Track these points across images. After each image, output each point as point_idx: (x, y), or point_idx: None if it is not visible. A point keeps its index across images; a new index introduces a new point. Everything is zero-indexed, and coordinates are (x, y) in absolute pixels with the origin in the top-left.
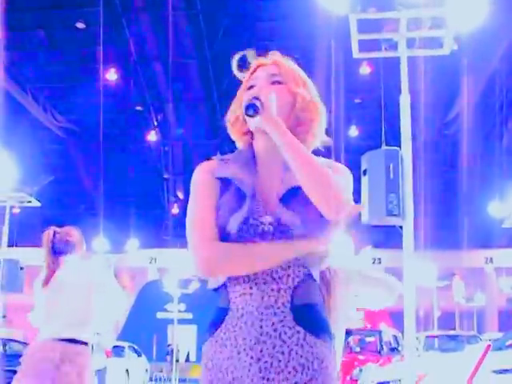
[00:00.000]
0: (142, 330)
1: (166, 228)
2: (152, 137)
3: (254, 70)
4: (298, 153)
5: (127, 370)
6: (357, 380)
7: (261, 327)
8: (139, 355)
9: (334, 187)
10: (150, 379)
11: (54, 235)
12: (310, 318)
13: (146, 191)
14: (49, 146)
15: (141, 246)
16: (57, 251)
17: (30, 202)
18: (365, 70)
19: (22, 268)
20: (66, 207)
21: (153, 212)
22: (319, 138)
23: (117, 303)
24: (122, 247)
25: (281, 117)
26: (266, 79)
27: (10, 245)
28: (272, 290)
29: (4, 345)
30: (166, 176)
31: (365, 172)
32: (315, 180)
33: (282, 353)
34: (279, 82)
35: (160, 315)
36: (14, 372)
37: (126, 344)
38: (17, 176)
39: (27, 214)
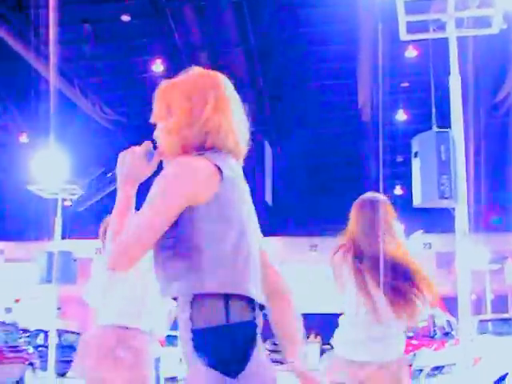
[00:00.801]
0: None
1: None
2: None
3: None
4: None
5: (181, 360)
6: (411, 365)
7: None
8: None
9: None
10: None
11: None
12: None
13: None
14: (98, 138)
15: None
16: None
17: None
18: (411, 53)
19: (75, 260)
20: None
21: None
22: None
23: None
24: None
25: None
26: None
27: (63, 237)
28: None
29: (59, 336)
30: None
31: (416, 154)
32: None
33: None
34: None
35: None
36: (70, 362)
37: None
38: (68, 169)
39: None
